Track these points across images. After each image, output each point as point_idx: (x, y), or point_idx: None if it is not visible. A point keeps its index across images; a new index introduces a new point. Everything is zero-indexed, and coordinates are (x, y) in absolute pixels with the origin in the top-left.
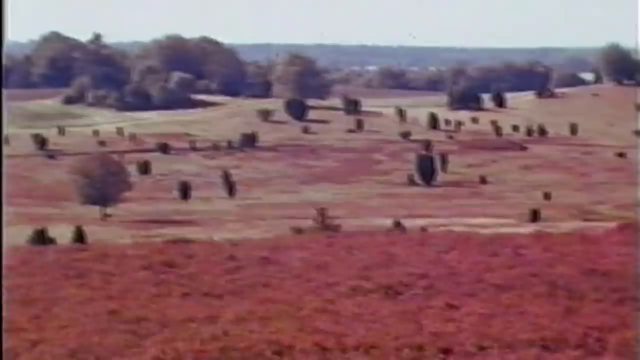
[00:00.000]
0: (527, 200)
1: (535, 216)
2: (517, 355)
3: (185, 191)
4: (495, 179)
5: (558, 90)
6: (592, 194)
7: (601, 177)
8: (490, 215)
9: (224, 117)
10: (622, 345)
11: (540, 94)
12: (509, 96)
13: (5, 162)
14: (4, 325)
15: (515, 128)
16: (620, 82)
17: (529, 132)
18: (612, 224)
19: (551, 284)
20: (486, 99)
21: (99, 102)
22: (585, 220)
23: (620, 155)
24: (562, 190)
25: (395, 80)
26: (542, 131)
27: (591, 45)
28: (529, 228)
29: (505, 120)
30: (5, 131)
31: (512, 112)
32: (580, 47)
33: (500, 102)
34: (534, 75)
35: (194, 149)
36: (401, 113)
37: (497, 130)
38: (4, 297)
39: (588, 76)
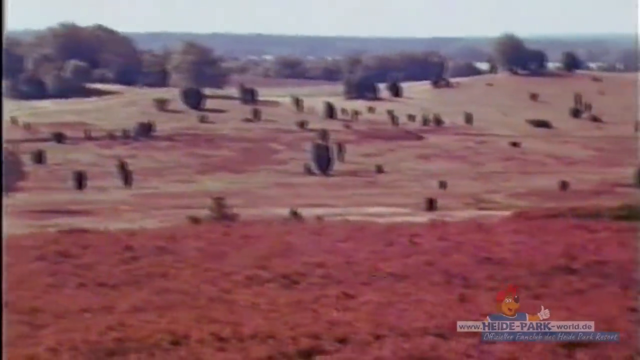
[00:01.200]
0: (423, 189)
1: (431, 205)
2: (412, 343)
3: (80, 181)
4: (391, 168)
5: (453, 80)
6: (486, 183)
7: (495, 166)
8: (386, 205)
9: (120, 106)
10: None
11: (436, 84)
12: (405, 86)
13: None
14: None
15: (411, 117)
16: (514, 72)
17: (425, 121)
18: (506, 213)
19: (446, 272)
20: (382, 88)
21: None
22: (480, 209)
23: (515, 144)
24: (457, 179)
25: (292, 70)
26: (438, 121)
27: (486, 35)
28: (425, 217)
29: (402, 110)
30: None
31: (408, 102)
32: (475, 37)
33: (396, 92)
34: (429, 65)
35: (89, 138)
36: (298, 102)
37: (394, 119)
38: None
39: (483, 66)
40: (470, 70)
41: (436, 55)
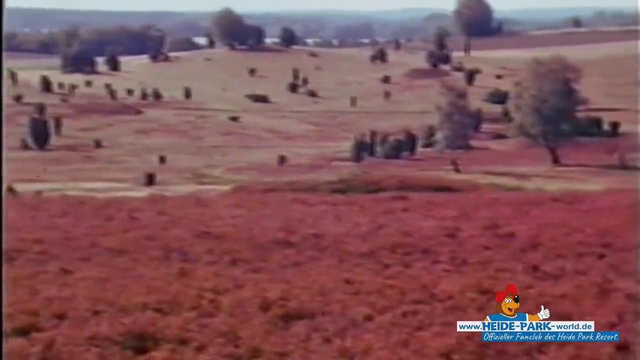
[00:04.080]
0: (143, 164)
1: (150, 180)
2: (131, 318)
3: None
4: (110, 142)
5: (172, 54)
6: (206, 158)
7: (215, 141)
8: (105, 180)
9: None
10: (234, 305)
11: (154, 58)
12: (124, 60)
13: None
14: None
15: (130, 92)
16: (233, 47)
17: (144, 95)
18: (226, 187)
19: (165, 247)
20: (101, 62)
21: None
22: (200, 183)
23: (234, 119)
24: (177, 154)
25: (6, 42)
26: (157, 95)
27: (205, 10)
28: (144, 192)
29: (120, 84)
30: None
31: (126, 76)
32: (194, 11)
33: (114, 66)
34: (148, 39)
35: None
36: (13, 76)
37: (112, 93)
38: None
39: (201, 41)
40: (189, 45)
41: (155, 29)
